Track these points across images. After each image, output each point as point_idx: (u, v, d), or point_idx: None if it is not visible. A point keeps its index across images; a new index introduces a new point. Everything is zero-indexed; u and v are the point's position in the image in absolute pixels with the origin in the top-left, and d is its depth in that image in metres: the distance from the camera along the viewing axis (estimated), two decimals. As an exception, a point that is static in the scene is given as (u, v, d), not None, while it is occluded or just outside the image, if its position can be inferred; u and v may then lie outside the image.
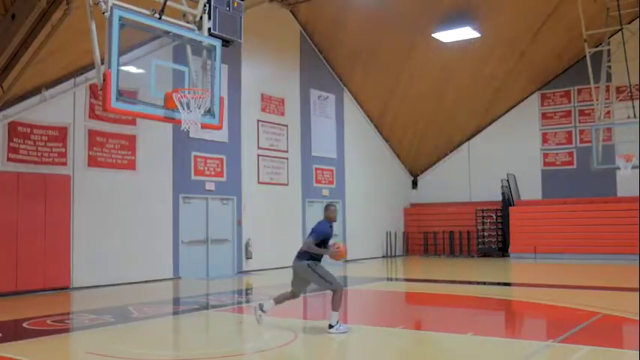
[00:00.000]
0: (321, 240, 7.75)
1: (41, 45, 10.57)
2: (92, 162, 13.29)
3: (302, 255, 7.82)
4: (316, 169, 19.66)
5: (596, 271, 16.48)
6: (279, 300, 7.99)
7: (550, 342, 7.05)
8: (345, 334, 7.48)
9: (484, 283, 14.67)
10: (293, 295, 8.04)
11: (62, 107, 12.90)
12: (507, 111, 22.99)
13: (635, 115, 17.91)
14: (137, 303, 10.69)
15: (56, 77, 12.71)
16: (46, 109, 12.63)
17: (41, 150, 12.51)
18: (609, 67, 19.05)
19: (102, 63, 7.07)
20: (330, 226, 7.90)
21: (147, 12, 7.39)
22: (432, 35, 18.08)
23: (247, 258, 16.78)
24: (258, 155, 17.52)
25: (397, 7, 17.83)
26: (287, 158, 18.53)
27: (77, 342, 7.85)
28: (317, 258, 7.80)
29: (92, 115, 13.35)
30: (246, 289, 13.80)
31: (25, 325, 8.62)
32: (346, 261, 20.22)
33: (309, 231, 8.04)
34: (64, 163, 12.85)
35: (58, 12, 10.05)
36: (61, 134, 12.81)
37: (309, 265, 7.74)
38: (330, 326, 7.55)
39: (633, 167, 17.21)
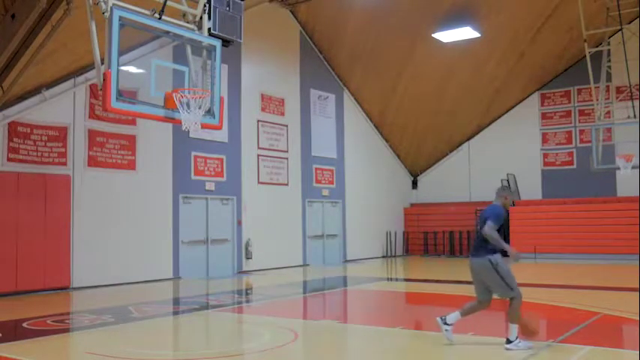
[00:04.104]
0: (499, 227, 6.27)
1: (41, 45, 10.57)
2: (92, 162, 13.29)
3: (480, 248, 6.42)
4: (316, 169, 19.65)
5: (596, 271, 16.47)
6: (465, 312, 6.73)
7: (550, 342, 7.05)
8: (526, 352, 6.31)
9: (484, 283, 14.64)
10: (481, 304, 6.68)
11: (62, 107, 12.90)
12: (507, 111, 22.98)
13: (635, 115, 17.90)
14: (137, 303, 10.69)
15: (56, 77, 12.72)
16: (46, 109, 12.63)
17: (41, 150, 12.51)
18: (609, 67, 19.05)
19: (102, 63, 7.07)
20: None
21: (147, 12, 7.39)
22: (432, 35, 18.07)
23: (247, 258, 16.78)
24: (258, 155, 17.52)
25: (397, 7, 17.82)
26: (287, 158, 18.52)
27: (77, 342, 7.85)
28: (498, 251, 6.33)
29: (92, 115, 13.35)
30: (246, 289, 13.80)
31: (25, 325, 8.62)
32: (346, 261, 20.27)
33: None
34: (64, 163, 12.85)
35: (58, 12, 10.06)
36: (61, 134, 12.81)
37: (492, 261, 6.29)
38: (509, 341, 6.47)
39: (633, 167, 17.19)
